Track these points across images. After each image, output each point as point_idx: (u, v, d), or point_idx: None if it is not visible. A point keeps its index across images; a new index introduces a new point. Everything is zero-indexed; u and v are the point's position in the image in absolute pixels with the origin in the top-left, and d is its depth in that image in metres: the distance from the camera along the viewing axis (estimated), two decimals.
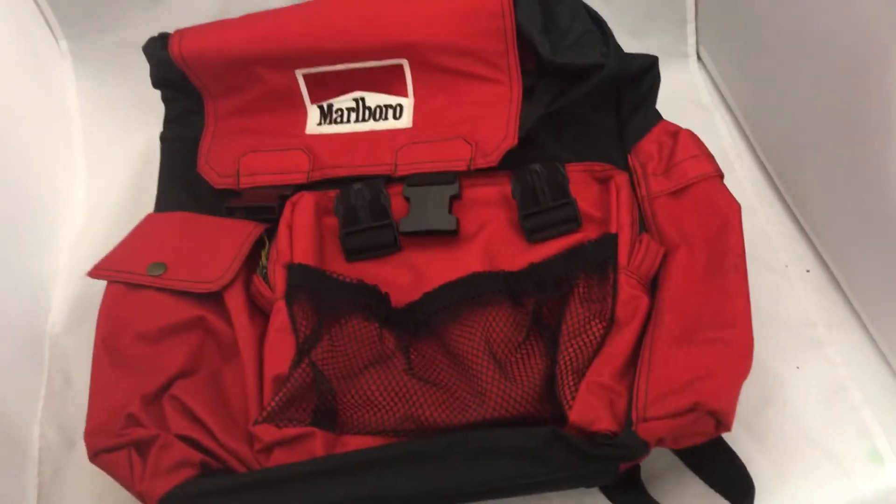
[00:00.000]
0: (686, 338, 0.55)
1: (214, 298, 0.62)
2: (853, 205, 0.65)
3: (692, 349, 0.54)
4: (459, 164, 0.66)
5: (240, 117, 0.71)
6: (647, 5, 0.87)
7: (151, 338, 0.60)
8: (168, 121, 0.74)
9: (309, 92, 0.70)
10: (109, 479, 0.55)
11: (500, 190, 0.66)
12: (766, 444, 0.60)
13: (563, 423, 0.53)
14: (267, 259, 0.64)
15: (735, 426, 0.52)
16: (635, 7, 0.86)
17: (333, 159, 0.69)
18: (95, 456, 0.55)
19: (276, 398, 0.56)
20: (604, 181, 0.66)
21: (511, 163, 0.65)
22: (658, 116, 0.68)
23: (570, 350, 0.56)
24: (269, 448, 0.55)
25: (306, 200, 0.66)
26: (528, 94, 0.68)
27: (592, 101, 0.66)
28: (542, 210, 0.64)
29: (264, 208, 0.67)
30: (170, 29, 0.71)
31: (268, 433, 0.55)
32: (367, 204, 0.66)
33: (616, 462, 0.52)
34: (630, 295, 0.58)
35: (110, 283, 0.63)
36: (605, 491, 0.57)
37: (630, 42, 0.70)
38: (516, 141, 0.66)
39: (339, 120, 0.71)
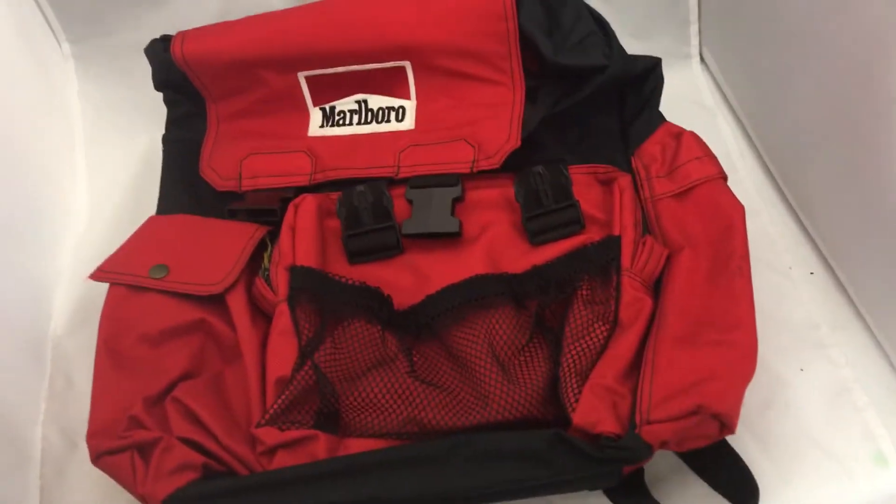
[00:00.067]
0: (690, 340, 0.54)
1: (217, 301, 0.62)
2: (857, 206, 0.65)
3: (696, 351, 0.54)
4: (462, 166, 0.66)
5: (242, 119, 0.71)
6: (650, 7, 0.87)
7: (154, 340, 0.60)
8: (170, 123, 0.74)
9: (311, 94, 0.70)
10: (112, 481, 0.55)
11: (502, 192, 0.66)
12: (770, 446, 0.60)
13: (567, 426, 0.53)
14: (269, 261, 0.64)
15: (739, 428, 0.52)
16: (638, 8, 0.86)
17: (336, 161, 0.69)
18: (98, 458, 0.55)
19: (279, 401, 0.56)
20: (607, 183, 0.66)
21: (514, 165, 0.65)
22: (661, 118, 0.68)
23: (574, 352, 0.56)
24: (271, 451, 0.55)
25: (308, 203, 0.66)
26: (530, 95, 0.68)
27: (595, 102, 0.66)
28: (545, 212, 0.64)
29: (266, 210, 0.67)
30: (172, 31, 0.71)
31: (270, 436, 0.55)
32: (369, 206, 0.66)
33: (620, 465, 0.52)
34: (633, 297, 0.58)
35: (112, 285, 0.63)
36: (609, 494, 0.57)
37: (633, 43, 0.70)
38: (519, 143, 0.65)
39: (341, 122, 0.71)
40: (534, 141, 0.66)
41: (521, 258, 0.63)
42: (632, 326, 0.57)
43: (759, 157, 0.81)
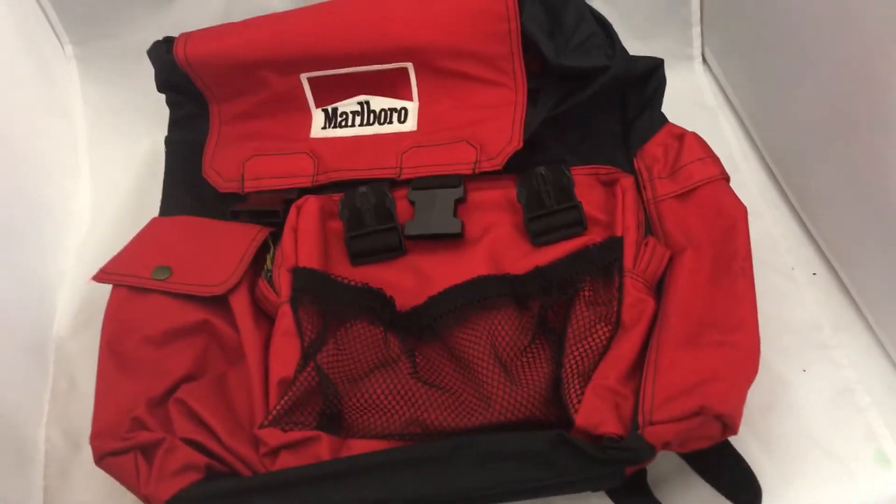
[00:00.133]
0: (692, 341, 0.54)
1: (219, 302, 0.62)
2: (860, 207, 0.65)
3: (698, 352, 0.54)
4: (464, 167, 0.66)
5: (244, 121, 0.71)
6: (653, 8, 0.87)
7: (157, 341, 0.60)
8: (173, 124, 0.74)
9: (314, 95, 0.70)
10: (115, 482, 0.55)
11: (505, 193, 0.66)
12: (772, 446, 0.60)
13: (569, 427, 0.53)
14: (272, 263, 0.64)
15: (741, 429, 0.52)
16: (640, 10, 0.86)
17: (338, 163, 0.69)
18: (101, 459, 0.55)
19: (282, 402, 0.56)
20: (609, 184, 0.66)
21: (516, 166, 0.65)
22: (663, 119, 0.68)
23: (576, 353, 0.56)
24: (274, 452, 0.55)
25: (311, 204, 0.66)
26: (532, 97, 0.68)
27: (598, 103, 0.66)
28: (547, 213, 0.64)
29: (269, 212, 0.67)
30: (174, 33, 0.71)
31: (273, 437, 0.55)
32: (372, 207, 0.66)
33: (622, 465, 0.52)
34: (636, 298, 0.58)
35: (115, 286, 0.63)
36: (612, 494, 0.57)
37: (635, 45, 0.69)
38: (521, 144, 0.66)
39: (343, 123, 0.71)
40: (536, 142, 0.66)
41: (523, 259, 0.63)
42: (634, 327, 0.57)
43: (762, 158, 0.81)
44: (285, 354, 0.59)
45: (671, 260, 0.61)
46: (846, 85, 0.64)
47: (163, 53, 0.70)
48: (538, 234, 0.64)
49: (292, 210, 0.66)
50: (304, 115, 0.71)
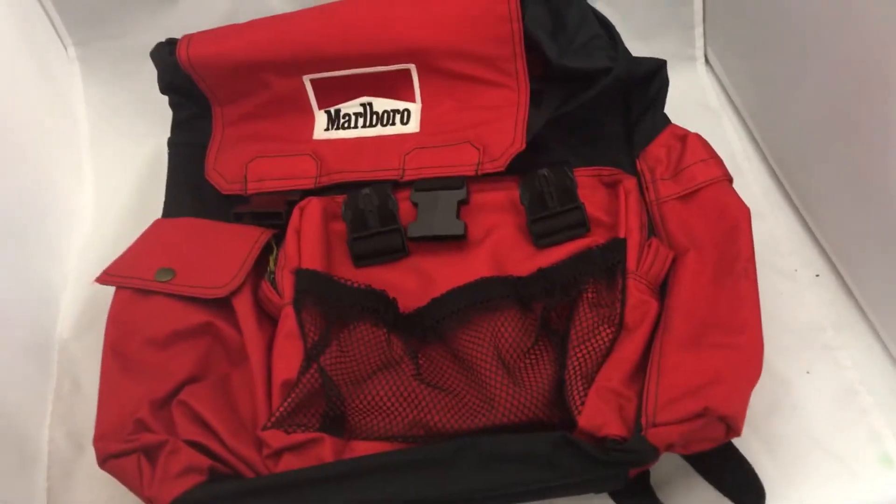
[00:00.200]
0: (695, 342, 0.54)
1: (223, 304, 0.62)
2: (862, 208, 0.65)
3: (702, 354, 0.54)
4: (467, 168, 0.66)
5: (247, 123, 0.71)
6: (655, 9, 0.87)
7: (160, 343, 0.60)
8: (175, 126, 0.74)
9: (316, 97, 0.70)
10: (118, 484, 0.55)
11: (507, 195, 0.66)
12: (776, 448, 0.60)
13: (573, 429, 0.53)
14: (275, 264, 0.64)
15: (744, 430, 0.52)
16: (643, 10, 0.86)
17: (341, 164, 0.69)
18: (104, 461, 0.55)
19: (285, 404, 0.56)
20: (612, 185, 0.66)
21: (519, 167, 0.65)
22: (666, 120, 0.68)
23: (579, 355, 0.56)
24: (277, 453, 0.55)
25: (314, 206, 0.66)
26: (535, 98, 0.68)
27: (600, 105, 0.66)
28: (550, 215, 0.64)
29: (272, 214, 0.67)
30: (177, 34, 0.71)
31: (276, 438, 0.55)
32: (375, 209, 0.66)
33: (625, 467, 0.52)
34: (639, 300, 0.58)
35: (119, 288, 0.63)
36: (615, 496, 0.56)
37: (638, 45, 0.69)
38: (524, 145, 0.65)
39: (346, 125, 0.71)
40: (539, 143, 0.66)
41: (526, 261, 0.63)
42: (637, 329, 0.57)
43: (765, 159, 0.81)
44: (288, 356, 0.59)
45: (674, 261, 0.61)
46: (849, 85, 0.64)
47: (165, 55, 0.70)
48: (541, 236, 0.64)
49: (295, 212, 0.66)
50: (306, 116, 0.71)
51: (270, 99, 0.70)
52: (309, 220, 0.65)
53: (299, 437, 0.55)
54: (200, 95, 0.71)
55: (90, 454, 0.56)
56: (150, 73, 0.71)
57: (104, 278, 0.63)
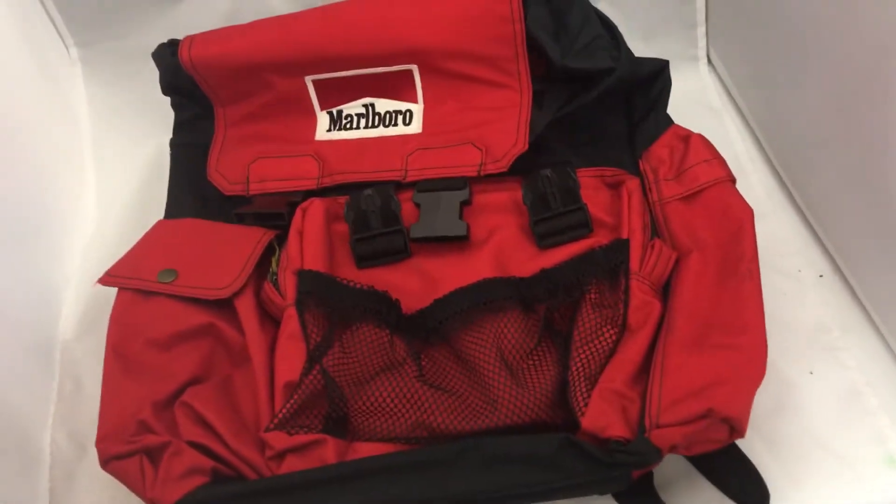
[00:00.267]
0: (699, 343, 0.54)
1: (225, 305, 0.62)
2: (866, 208, 0.65)
3: (705, 355, 0.54)
4: (469, 169, 0.66)
5: (249, 123, 0.71)
6: (657, 9, 0.87)
7: (162, 344, 0.60)
8: (177, 127, 0.74)
9: (318, 98, 0.70)
10: (121, 485, 0.55)
11: (510, 195, 0.66)
12: (780, 449, 0.60)
13: (576, 430, 0.53)
14: (277, 265, 0.64)
15: (748, 432, 0.52)
16: (645, 11, 0.86)
17: (343, 165, 0.69)
18: (107, 462, 0.55)
19: (288, 405, 0.56)
20: (615, 186, 0.66)
21: (521, 168, 0.65)
22: (669, 120, 0.67)
23: (583, 356, 0.56)
24: (280, 455, 0.55)
25: (316, 206, 0.66)
26: (538, 98, 0.68)
27: (603, 105, 0.66)
28: (552, 215, 0.64)
29: (274, 215, 0.67)
30: (179, 35, 0.71)
31: (279, 440, 0.55)
32: (377, 210, 0.66)
33: (629, 469, 0.52)
34: (642, 300, 0.58)
35: (121, 289, 0.63)
36: (618, 497, 0.56)
37: (640, 46, 0.70)
38: (526, 146, 0.65)
39: (348, 126, 0.71)
40: (541, 144, 0.66)
41: (528, 262, 0.62)
42: (640, 330, 0.57)
43: (768, 159, 0.81)
44: (291, 357, 0.58)
45: (677, 262, 0.61)
46: (852, 85, 0.64)
47: (167, 56, 0.70)
48: (544, 237, 0.64)
49: (297, 212, 0.66)
50: (308, 117, 0.71)
51: (272, 100, 0.70)
52: (311, 221, 0.65)
53: (302, 438, 0.55)
54: (202, 96, 0.71)
55: (92, 455, 0.56)
56: (152, 73, 0.71)
57: (106, 279, 0.63)
